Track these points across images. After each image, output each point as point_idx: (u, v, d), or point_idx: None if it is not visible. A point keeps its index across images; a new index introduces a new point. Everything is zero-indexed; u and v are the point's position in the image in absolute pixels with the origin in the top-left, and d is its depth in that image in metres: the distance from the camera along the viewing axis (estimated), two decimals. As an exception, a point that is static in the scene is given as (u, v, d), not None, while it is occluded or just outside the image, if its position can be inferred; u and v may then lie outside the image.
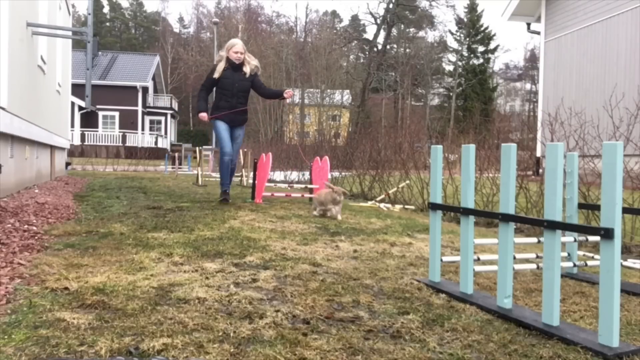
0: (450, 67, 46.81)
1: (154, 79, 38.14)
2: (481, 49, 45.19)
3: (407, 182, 6.70)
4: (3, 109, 4.69)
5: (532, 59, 49.22)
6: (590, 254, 3.07)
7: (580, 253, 3.02)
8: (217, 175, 14.38)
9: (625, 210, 2.35)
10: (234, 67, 5.55)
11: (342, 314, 1.89)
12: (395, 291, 2.23)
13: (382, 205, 6.16)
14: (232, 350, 1.49)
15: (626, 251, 3.51)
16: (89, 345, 1.49)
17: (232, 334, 1.62)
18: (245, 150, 11.17)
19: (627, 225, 3.86)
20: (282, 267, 2.61)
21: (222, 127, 5.54)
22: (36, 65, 6.64)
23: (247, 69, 5.60)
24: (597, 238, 2.24)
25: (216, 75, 5.54)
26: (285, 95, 5.52)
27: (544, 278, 1.79)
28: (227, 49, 5.60)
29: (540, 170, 9.79)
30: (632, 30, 11.01)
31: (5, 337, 1.54)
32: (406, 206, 6.16)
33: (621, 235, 1.63)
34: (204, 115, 5.57)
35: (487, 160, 5.80)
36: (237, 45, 5.60)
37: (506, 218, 1.96)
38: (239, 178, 10.01)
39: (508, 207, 1.96)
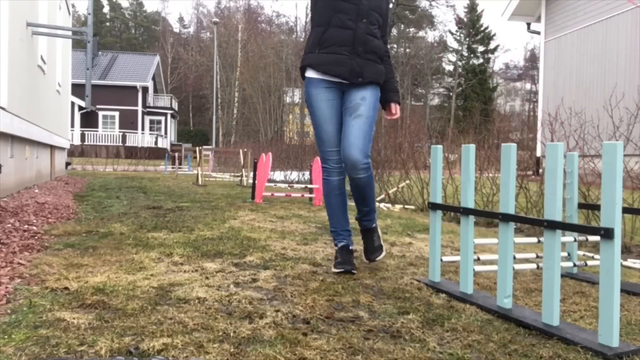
0: (450, 67, 46.80)
1: (154, 78, 38.15)
2: (481, 49, 45.18)
3: (407, 182, 6.70)
4: (3, 109, 4.69)
5: (532, 59, 49.21)
6: (590, 254, 3.07)
7: (580, 253, 3.02)
8: (218, 175, 14.44)
9: (625, 210, 2.35)
10: None
11: (342, 314, 1.89)
12: (395, 291, 2.23)
13: (382, 205, 6.16)
14: (232, 350, 1.49)
15: (626, 251, 3.51)
16: (89, 345, 1.49)
17: (232, 334, 1.62)
18: (245, 150, 11.17)
19: (627, 225, 3.86)
20: (282, 267, 2.61)
21: (322, 99, 2.61)
22: (36, 65, 6.64)
23: None
24: (597, 238, 2.24)
25: None
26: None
27: (544, 278, 1.79)
28: None
29: (540, 170, 9.80)
30: (632, 30, 11.01)
31: (5, 337, 1.54)
32: (406, 206, 6.15)
33: (621, 235, 1.63)
34: None
35: (487, 160, 5.79)
36: None
37: (506, 218, 1.96)
38: (239, 178, 10.02)
39: (508, 207, 1.96)
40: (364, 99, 2.56)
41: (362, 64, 2.53)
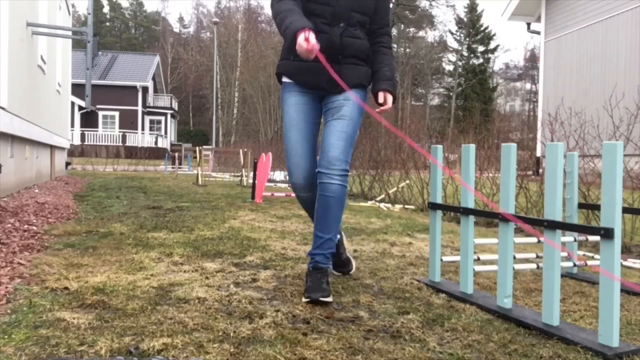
0: (450, 67, 46.81)
1: (154, 78, 38.15)
2: (481, 48, 45.20)
3: (407, 182, 6.70)
4: (3, 109, 4.69)
5: (532, 59, 49.21)
6: (590, 254, 3.07)
7: (580, 253, 3.02)
8: (218, 175, 14.44)
9: (625, 210, 2.35)
10: None
11: (342, 314, 1.89)
12: (395, 291, 2.23)
13: (382, 205, 6.16)
14: (232, 350, 1.49)
15: (626, 251, 3.51)
16: (89, 345, 1.49)
17: (232, 334, 1.62)
18: (245, 150, 11.17)
19: (627, 225, 3.86)
20: (282, 267, 2.61)
21: (292, 103, 2.31)
22: (36, 65, 6.64)
23: None
24: (597, 238, 2.24)
25: None
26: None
27: (544, 278, 1.79)
28: None
29: (540, 170, 9.80)
30: (632, 30, 11.01)
31: (5, 337, 1.54)
32: (406, 206, 6.16)
33: (621, 235, 1.63)
34: (307, 43, 1.99)
35: (487, 160, 5.79)
36: None
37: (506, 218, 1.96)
38: (239, 178, 10.01)
39: (508, 207, 1.96)
40: (348, 99, 2.24)
41: (340, 70, 2.19)
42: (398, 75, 43.49)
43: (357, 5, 2.23)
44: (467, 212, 2.16)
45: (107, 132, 33.27)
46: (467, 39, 45.08)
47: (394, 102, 2.25)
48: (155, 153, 28.38)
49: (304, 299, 2.03)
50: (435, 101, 48.09)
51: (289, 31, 2.04)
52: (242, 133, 40.10)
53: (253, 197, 6.15)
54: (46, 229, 3.46)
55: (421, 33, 47.94)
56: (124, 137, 32.53)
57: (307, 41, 1.98)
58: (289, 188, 7.32)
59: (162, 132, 37.32)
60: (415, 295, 2.17)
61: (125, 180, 9.65)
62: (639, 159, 4.40)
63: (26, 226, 3.48)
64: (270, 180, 10.21)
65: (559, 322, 1.77)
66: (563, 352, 1.57)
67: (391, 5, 45.22)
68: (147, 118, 36.97)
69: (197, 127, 48.76)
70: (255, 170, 6.22)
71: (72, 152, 23.55)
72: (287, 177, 2.22)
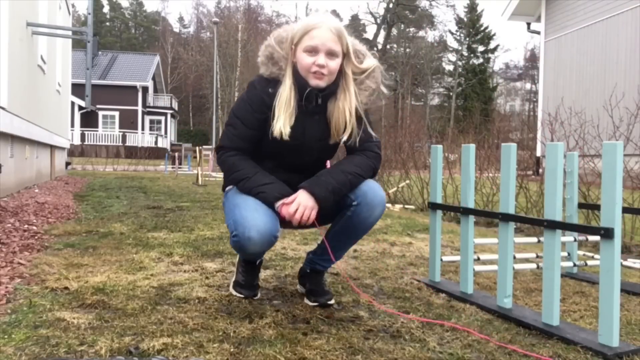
0: (450, 67, 46.80)
1: (153, 78, 38.13)
2: (481, 48, 45.19)
3: (407, 181, 6.70)
4: (3, 108, 4.69)
5: (532, 59, 49.20)
6: (590, 254, 3.07)
7: (580, 253, 3.02)
8: (218, 175, 14.43)
9: (625, 210, 2.35)
10: (311, 99, 1.87)
11: (342, 314, 1.89)
12: (395, 291, 2.23)
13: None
14: (232, 350, 1.50)
15: (626, 251, 3.51)
16: (89, 344, 1.50)
17: (232, 334, 1.62)
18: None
19: (627, 225, 3.86)
20: (282, 266, 2.61)
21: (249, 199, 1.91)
22: (36, 65, 6.64)
23: (346, 106, 1.90)
24: (597, 238, 2.24)
25: (277, 131, 1.84)
26: None
27: (544, 278, 1.79)
28: (296, 39, 1.85)
29: (540, 170, 9.80)
30: (632, 30, 11.01)
31: (5, 336, 1.54)
32: (406, 206, 6.15)
33: (621, 235, 1.63)
34: (295, 214, 1.80)
35: (487, 160, 5.79)
36: (323, 33, 1.82)
37: (506, 218, 1.96)
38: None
39: (508, 207, 1.96)
40: None
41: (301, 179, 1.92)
42: (398, 75, 43.46)
43: (322, 156, 2.00)
44: (467, 212, 2.16)
45: (107, 132, 33.26)
46: (467, 39, 45.06)
47: (320, 204, 1.82)
48: (155, 153, 28.35)
49: (310, 303, 2.00)
50: (435, 101, 48.08)
51: (267, 194, 1.84)
52: (242, 133, 40.00)
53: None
54: (46, 229, 3.46)
55: (421, 33, 47.95)
56: (124, 137, 32.52)
57: (299, 214, 1.80)
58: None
59: (162, 132, 37.31)
60: (415, 295, 2.17)
61: (125, 180, 9.65)
62: (639, 159, 4.40)
63: (26, 226, 3.48)
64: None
65: (559, 322, 1.77)
66: (563, 352, 1.57)
67: (391, 5, 45.17)
68: (147, 118, 36.95)
69: (197, 127, 48.72)
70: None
71: (72, 152, 23.54)
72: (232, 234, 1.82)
